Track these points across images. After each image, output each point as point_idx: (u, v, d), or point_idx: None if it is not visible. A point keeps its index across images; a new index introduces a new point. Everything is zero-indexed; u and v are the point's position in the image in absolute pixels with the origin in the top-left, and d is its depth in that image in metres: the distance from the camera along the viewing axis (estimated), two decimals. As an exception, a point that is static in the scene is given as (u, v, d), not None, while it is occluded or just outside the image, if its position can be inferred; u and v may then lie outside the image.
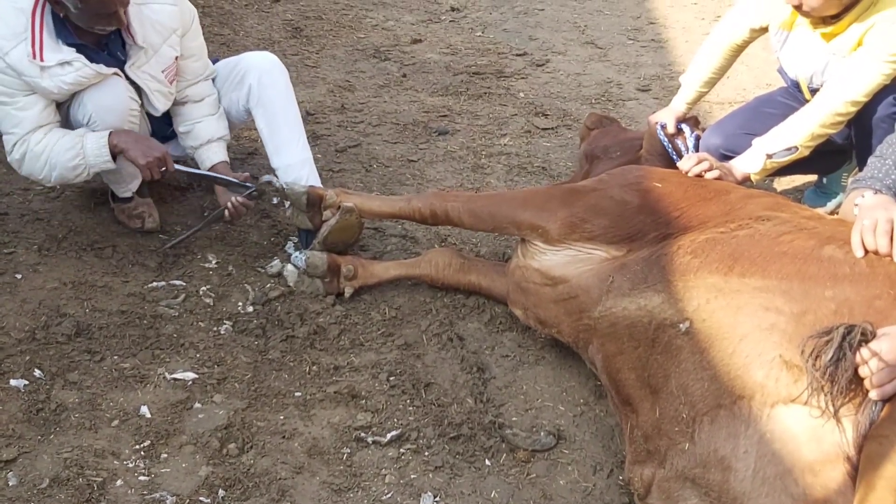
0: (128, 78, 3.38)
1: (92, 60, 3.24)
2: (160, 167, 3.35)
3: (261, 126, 3.69)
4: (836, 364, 2.10)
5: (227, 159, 3.71)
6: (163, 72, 3.44)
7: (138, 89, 3.41)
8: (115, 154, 3.31)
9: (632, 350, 2.57)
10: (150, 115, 3.57)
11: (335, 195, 3.43)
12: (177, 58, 3.49)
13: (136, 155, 3.30)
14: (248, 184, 3.55)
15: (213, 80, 3.74)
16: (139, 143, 3.33)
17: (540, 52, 5.80)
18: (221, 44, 5.49)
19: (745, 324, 2.32)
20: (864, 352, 2.10)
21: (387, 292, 3.46)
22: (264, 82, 3.65)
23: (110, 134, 3.30)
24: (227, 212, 3.55)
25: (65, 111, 3.39)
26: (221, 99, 3.75)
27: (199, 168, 3.68)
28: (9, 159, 3.37)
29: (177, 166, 3.48)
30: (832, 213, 3.93)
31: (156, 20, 3.36)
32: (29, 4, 3.13)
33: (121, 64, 3.35)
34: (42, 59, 3.14)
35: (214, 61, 3.80)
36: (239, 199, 3.52)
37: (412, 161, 4.44)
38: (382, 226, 3.86)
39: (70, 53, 3.19)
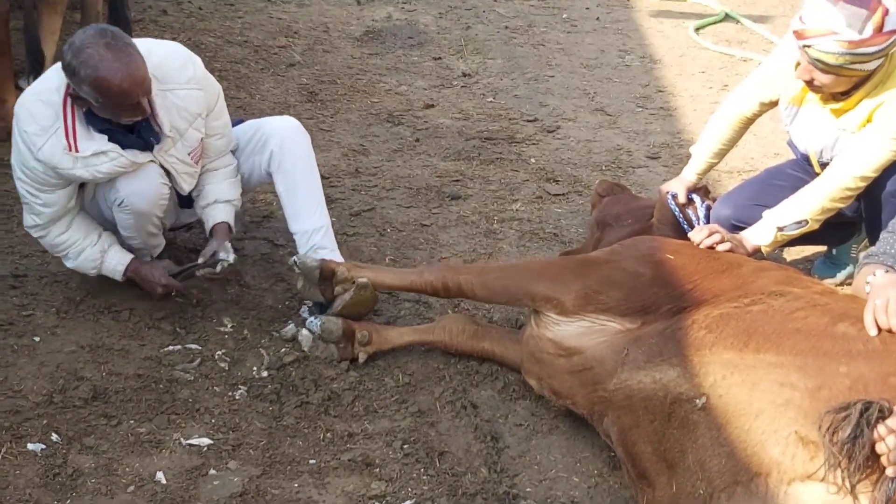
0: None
1: (123, 145, 3.25)
2: (165, 291, 3.56)
3: (280, 190, 3.70)
4: (854, 440, 2.12)
5: (231, 222, 3.65)
6: (189, 154, 3.45)
7: (166, 171, 3.43)
8: None
9: (648, 424, 2.58)
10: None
11: (346, 270, 3.42)
12: (202, 139, 3.49)
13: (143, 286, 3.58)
14: (218, 259, 3.51)
15: (234, 150, 3.74)
16: (141, 272, 3.55)
17: (550, 118, 5.88)
18: (238, 107, 5.57)
19: (761, 400, 2.34)
20: (881, 428, 2.11)
21: (400, 358, 3.48)
22: (286, 148, 3.67)
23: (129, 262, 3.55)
24: (219, 266, 3.52)
25: (91, 188, 3.43)
26: (243, 163, 3.75)
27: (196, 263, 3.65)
28: (25, 225, 3.48)
29: (172, 276, 3.57)
30: (842, 283, 3.96)
31: (182, 107, 3.34)
32: (57, 97, 3.16)
33: (150, 147, 3.33)
34: (77, 150, 3.17)
35: (238, 122, 3.82)
36: (204, 271, 3.55)
37: (425, 225, 4.49)
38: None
39: (103, 142, 3.21)
